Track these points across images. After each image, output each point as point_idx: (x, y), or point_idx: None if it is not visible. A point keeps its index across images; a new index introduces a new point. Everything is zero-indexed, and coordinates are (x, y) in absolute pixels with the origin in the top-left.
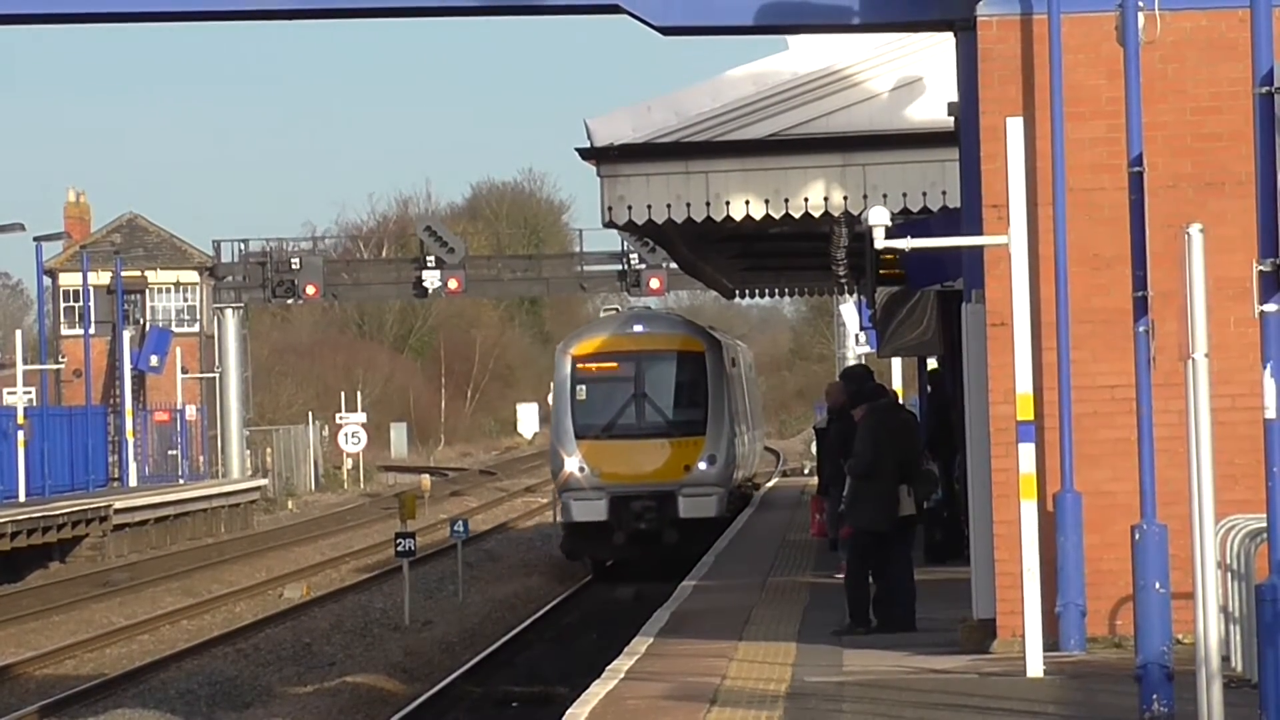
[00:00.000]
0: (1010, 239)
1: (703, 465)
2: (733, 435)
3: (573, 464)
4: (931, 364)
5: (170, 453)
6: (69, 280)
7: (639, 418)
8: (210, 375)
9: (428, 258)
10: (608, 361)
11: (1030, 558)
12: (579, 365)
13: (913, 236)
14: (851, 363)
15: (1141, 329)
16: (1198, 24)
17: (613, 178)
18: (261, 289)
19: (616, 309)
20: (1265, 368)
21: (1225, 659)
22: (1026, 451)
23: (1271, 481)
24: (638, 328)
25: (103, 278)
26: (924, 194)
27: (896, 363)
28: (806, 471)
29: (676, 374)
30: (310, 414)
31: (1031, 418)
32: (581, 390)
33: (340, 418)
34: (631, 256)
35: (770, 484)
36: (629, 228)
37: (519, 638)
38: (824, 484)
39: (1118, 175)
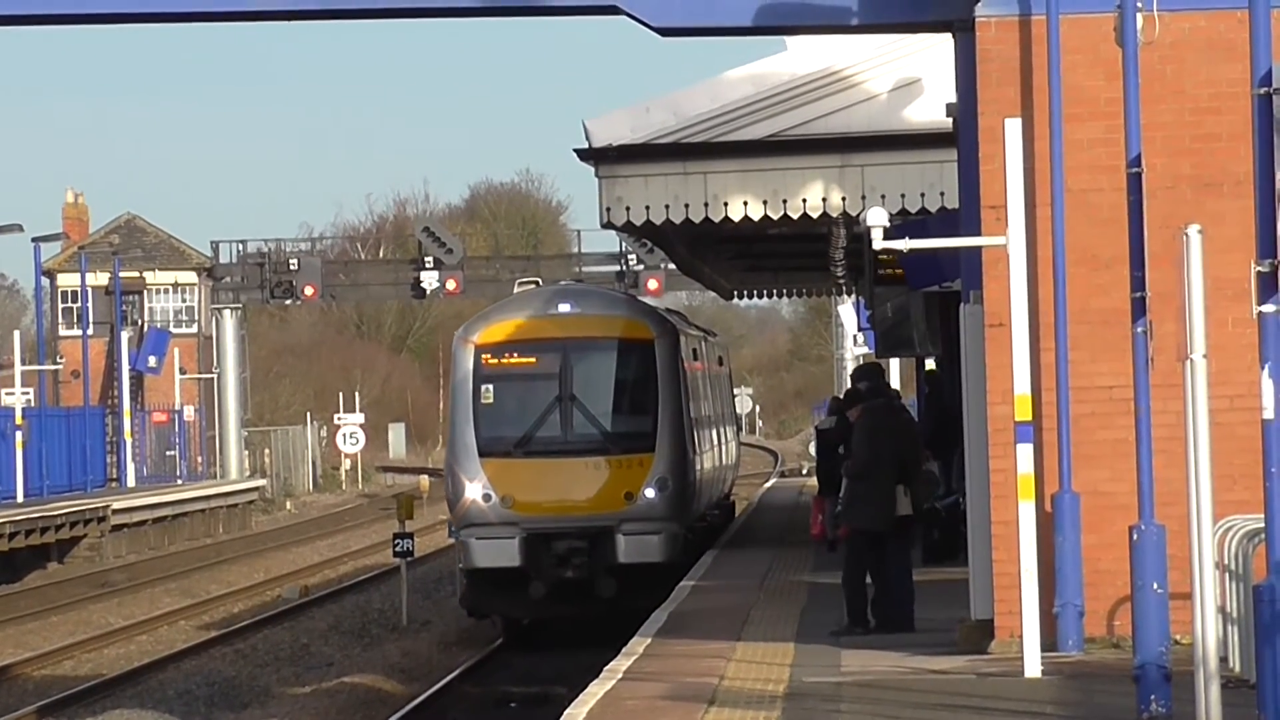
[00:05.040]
0: (1008, 240)
1: (650, 493)
2: (692, 451)
3: (475, 491)
4: (930, 364)
5: (168, 453)
6: (67, 281)
7: (565, 429)
8: (208, 376)
9: (426, 258)
10: (523, 353)
11: (1028, 558)
12: (485, 358)
13: (911, 237)
14: (850, 363)
15: (1140, 330)
16: (1196, 25)
17: (611, 178)
18: (259, 290)
19: (536, 282)
20: (1263, 368)
21: (1223, 659)
22: (1025, 452)
23: (1270, 482)
24: (564, 307)
25: (101, 278)
26: (922, 195)
27: (895, 362)
28: (805, 472)
29: (617, 370)
30: (308, 415)
31: (1030, 418)
32: (488, 391)
33: (338, 418)
34: (630, 257)
35: (769, 484)
36: (627, 228)
37: (517, 637)
38: (824, 484)
39: (1116, 176)
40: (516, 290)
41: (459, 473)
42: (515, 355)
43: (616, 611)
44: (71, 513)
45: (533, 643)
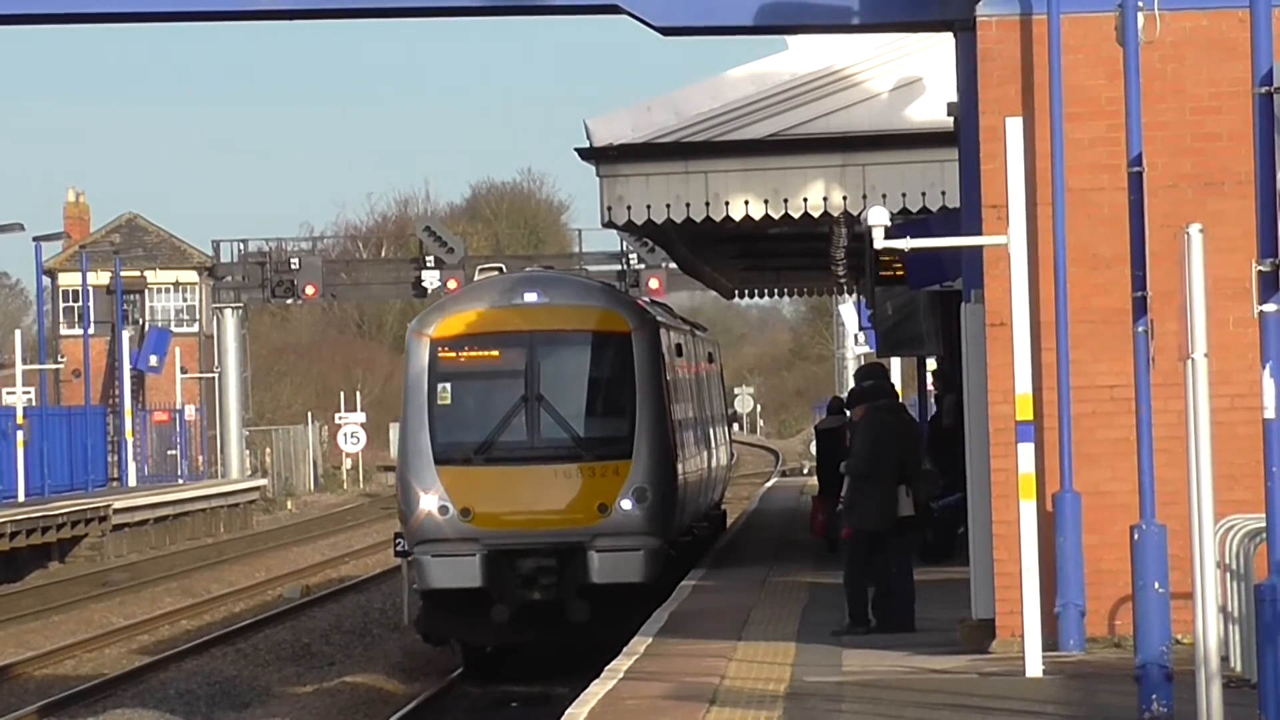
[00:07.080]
0: (1009, 239)
1: (627, 504)
2: (675, 457)
3: (430, 502)
4: (932, 363)
5: (169, 453)
6: (68, 280)
7: (531, 433)
8: (209, 375)
9: (427, 258)
10: (485, 347)
11: (1029, 558)
12: (442, 353)
13: (912, 236)
14: (851, 362)
15: (1141, 329)
16: (1197, 24)
17: (612, 178)
18: (261, 289)
19: (500, 269)
20: (1264, 368)
21: (1224, 659)
22: (1026, 451)
23: (1271, 481)
24: (530, 296)
25: (102, 278)
26: (923, 194)
27: (896, 361)
28: (805, 471)
29: (590, 366)
30: (309, 414)
31: (1031, 418)
32: (445, 391)
33: (339, 418)
34: (631, 256)
35: (769, 484)
36: (628, 228)
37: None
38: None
39: (1117, 175)
40: (478, 277)
41: (412, 482)
42: (476, 350)
43: (589, 637)
44: (72, 512)
45: (496, 671)
